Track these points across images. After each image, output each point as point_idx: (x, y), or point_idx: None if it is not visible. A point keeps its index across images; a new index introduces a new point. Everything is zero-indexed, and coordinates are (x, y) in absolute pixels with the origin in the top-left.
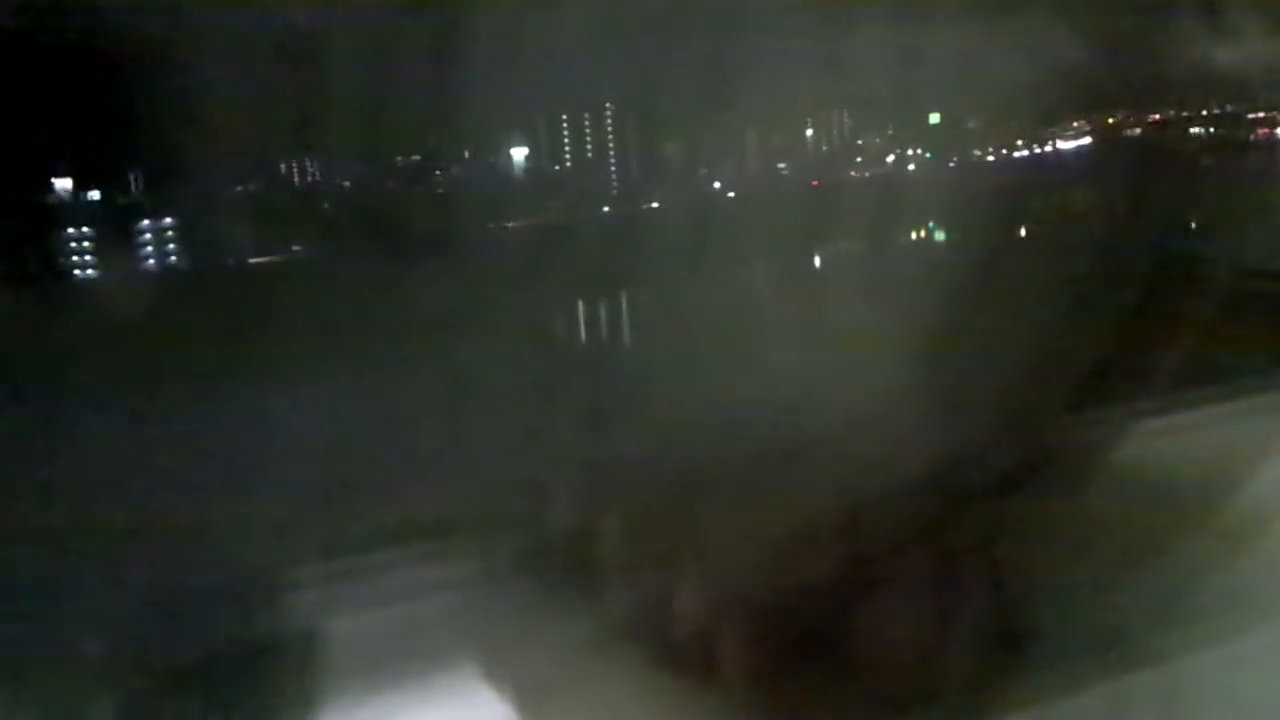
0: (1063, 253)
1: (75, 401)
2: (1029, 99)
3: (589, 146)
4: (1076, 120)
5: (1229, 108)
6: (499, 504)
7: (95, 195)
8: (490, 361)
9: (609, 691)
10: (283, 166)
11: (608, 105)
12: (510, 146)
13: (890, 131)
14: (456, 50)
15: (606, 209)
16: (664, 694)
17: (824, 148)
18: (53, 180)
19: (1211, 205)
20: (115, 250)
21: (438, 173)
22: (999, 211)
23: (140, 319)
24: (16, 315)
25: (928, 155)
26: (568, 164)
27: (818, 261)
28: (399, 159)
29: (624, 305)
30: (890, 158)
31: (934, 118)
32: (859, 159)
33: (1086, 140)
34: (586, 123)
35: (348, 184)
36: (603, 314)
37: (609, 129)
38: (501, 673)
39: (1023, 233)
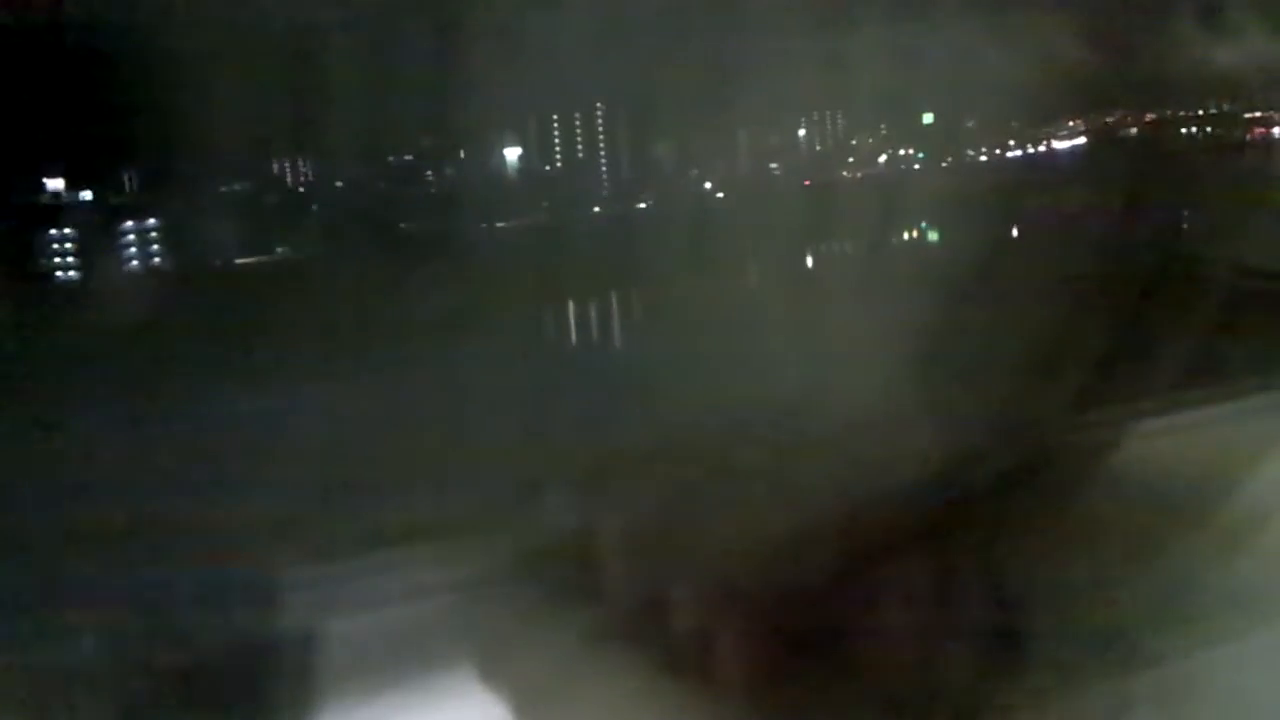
0: (1058, 253)
1: (56, 403)
2: (1023, 99)
3: (580, 147)
4: (1071, 120)
5: (1225, 108)
6: (478, 506)
7: (79, 195)
8: (479, 362)
9: (609, 691)
10: (273, 166)
11: (599, 105)
12: (502, 147)
13: (883, 131)
14: (448, 50)
15: (597, 209)
16: (664, 694)
17: (816, 148)
18: (33, 179)
19: (1208, 205)
20: (97, 251)
21: (429, 173)
22: (992, 212)
23: (119, 320)
24: None
25: (921, 155)
26: (559, 164)
27: (809, 262)
28: (390, 159)
29: (614, 305)
30: (883, 158)
31: (927, 117)
32: (851, 159)
33: (1081, 140)
34: (578, 123)
35: (339, 184)
36: (592, 314)
37: (600, 129)
38: (501, 673)
39: (1016, 233)
